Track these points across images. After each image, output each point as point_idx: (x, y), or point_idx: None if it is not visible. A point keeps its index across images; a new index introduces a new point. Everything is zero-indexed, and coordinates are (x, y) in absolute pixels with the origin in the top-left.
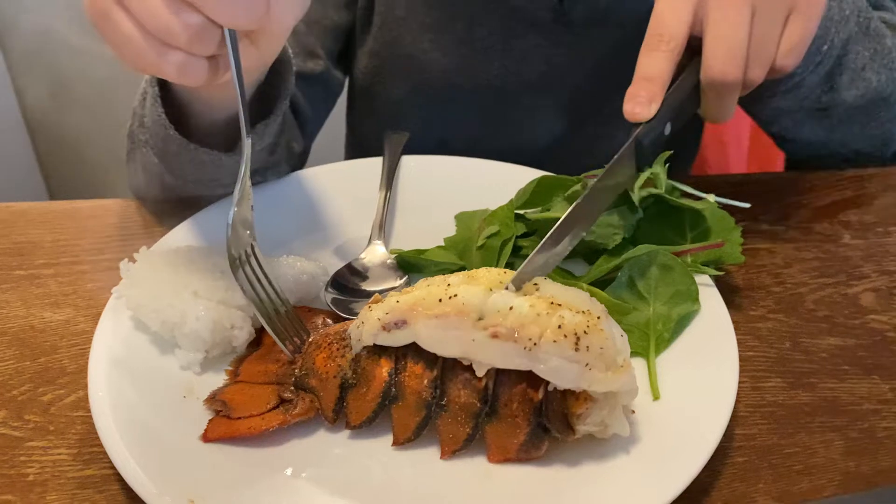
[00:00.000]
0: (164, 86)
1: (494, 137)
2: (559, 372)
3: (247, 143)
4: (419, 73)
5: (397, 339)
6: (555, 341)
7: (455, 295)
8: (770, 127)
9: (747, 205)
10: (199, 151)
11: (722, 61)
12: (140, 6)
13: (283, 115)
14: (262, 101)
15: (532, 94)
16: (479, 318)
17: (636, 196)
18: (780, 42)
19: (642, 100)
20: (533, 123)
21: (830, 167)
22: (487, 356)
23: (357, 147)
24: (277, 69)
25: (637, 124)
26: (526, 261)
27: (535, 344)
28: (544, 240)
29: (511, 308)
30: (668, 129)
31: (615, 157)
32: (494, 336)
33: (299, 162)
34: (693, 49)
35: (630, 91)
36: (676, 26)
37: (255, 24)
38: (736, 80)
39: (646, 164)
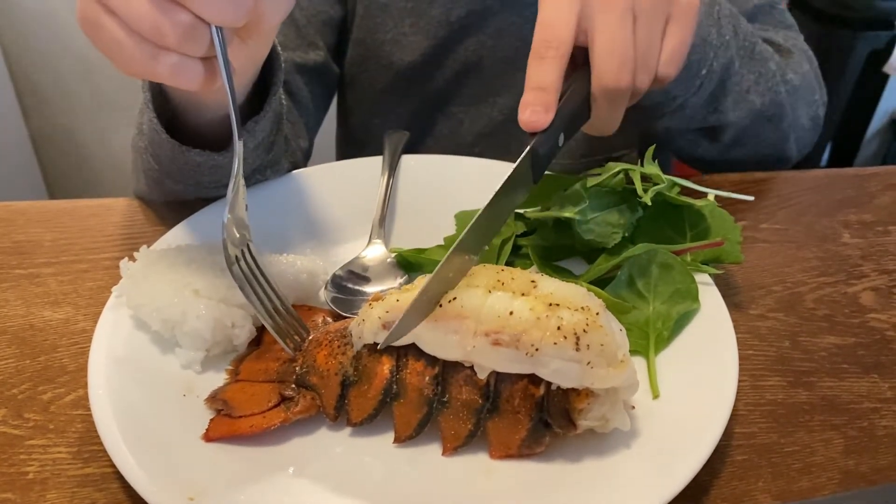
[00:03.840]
0: (158, 92)
1: (476, 115)
2: (561, 373)
3: (238, 143)
4: (401, 58)
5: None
6: (555, 343)
7: (454, 298)
8: (668, 146)
9: (751, 197)
10: (191, 153)
11: (616, 68)
12: (127, 9)
13: (276, 112)
14: (254, 99)
15: (508, 69)
16: (479, 324)
17: (647, 196)
18: (661, 51)
19: (538, 109)
20: (510, 98)
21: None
22: (489, 361)
23: (347, 139)
24: (268, 67)
25: (532, 135)
26: (427, 279)
27: (536, 349)
28: (442, 260)
29: (511, 313)
30: (561, 140)
31: (511, 170)
32: (496, 344)
33: (304, 159)
34: (573, 65)
35: (524, 100)
36: (563, 32)
37: (241, 21)
38: (628, 87)
39: (540, 175)
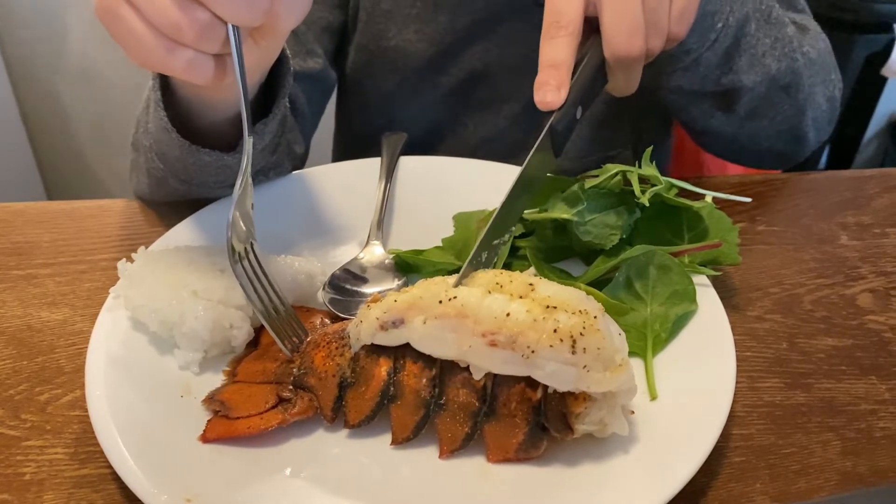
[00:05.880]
0: (166, 91)
1: (482, 121)
2: (557, 376)
3: (248, 140)
4: (405, 63)
5: (395, 338)
6: (551, 346)
7: (454, 297)
8: (680, 114)
9: (748, 199)
10: (200, 153)
11: (626, 36)
12: (148, 3)
13: (283, 114)
14: (262, 101)
15: (515, 76)
16: (477, 324)
17: (645, 198)
18: (670, 10)
19: (551, 87)
20: (517, 105)
21: (755, 164)
22: (484, 362)
23: (347, 143)
24: (276, 69)
25: (549, 112)
26: (469, 257)
27: (532, 351)
28: (481, 237)
29: (508, 314)
30: (579, 113)
31: (533, 147)
32: (492, 345)
33: (300, 163)
34: (589, 28)
35: (538, 80)
36: (571, 10)
37: (257, 21)
38: (640, 53)
39: (561, 149)
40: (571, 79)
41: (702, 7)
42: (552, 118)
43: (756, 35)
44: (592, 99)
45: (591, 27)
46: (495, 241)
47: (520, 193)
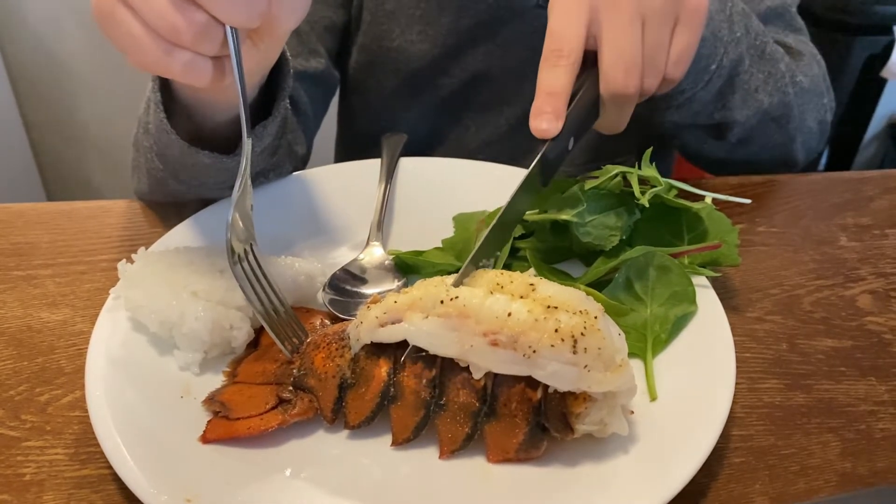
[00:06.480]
0: (166, 92)
1: (483, 123)
2: (558, 376)
3: (247, 142)
4: (408, 64)
5: (394, 333)
6: (552, 346)
7: (456, 297)
8: (673, 141)
9: (748, 200)
10: (200, 154)
11: (623, 74)
12: (145, 5)
13: (283, 116)
14: (262, 102)
15: (517, 79)
16: (478, 324)
17: (645, 199)
18: (669, 53)
19: (549, 116)
20: (518, 108)
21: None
22: (485, 361)
23: (349, 143)
24: (276, 71)
25: (543, 141)
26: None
27: (534, 351)
28: (463, 266)
29: (509, 314)
30: (571, 144)
31: (525, 175)
32: (494, 344)
33: (302, 164)
34: (585, 61)
35: (535, 107)
36: (573, 41)
37: (255, 23)
38: (635, 91)
39: (550, 178)
40: (567, 108)
41: (696, 50)
42: (545, 147)
43: (750, 71)
44: (584, 132)
45: (588, 61)
46: (482, 263)
47: (504, 223)
